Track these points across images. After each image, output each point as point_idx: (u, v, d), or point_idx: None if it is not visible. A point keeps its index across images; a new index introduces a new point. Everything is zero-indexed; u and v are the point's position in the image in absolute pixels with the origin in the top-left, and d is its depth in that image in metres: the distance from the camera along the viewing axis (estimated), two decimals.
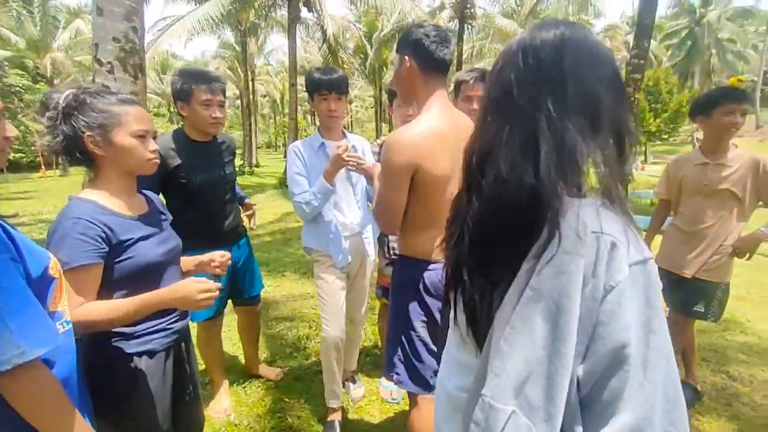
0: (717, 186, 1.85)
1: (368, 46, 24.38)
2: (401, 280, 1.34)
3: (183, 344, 1.23)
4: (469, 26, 17.74)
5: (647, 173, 15.45)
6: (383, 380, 2.25)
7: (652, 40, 7.24)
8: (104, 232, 0.98)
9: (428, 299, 1.28)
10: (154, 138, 1.14)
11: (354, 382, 2.24)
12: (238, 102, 41.84)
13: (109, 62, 2.42)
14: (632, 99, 7.19)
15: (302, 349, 2.70)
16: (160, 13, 15.79)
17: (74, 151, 1.02)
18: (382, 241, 2.07)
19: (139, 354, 1.07)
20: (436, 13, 17.65)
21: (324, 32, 15.22)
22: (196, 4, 14.39)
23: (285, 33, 20.60)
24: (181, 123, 1.88)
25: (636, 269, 0.51)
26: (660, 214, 2.22)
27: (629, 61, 7.60)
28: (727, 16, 30.74)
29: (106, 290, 1.01)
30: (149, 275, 1.07)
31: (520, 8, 20.47)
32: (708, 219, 1.90)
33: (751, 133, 29.18)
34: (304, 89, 1.84)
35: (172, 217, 1.25)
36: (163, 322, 1.12)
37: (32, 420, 0.71)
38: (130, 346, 1.06)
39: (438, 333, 1.28)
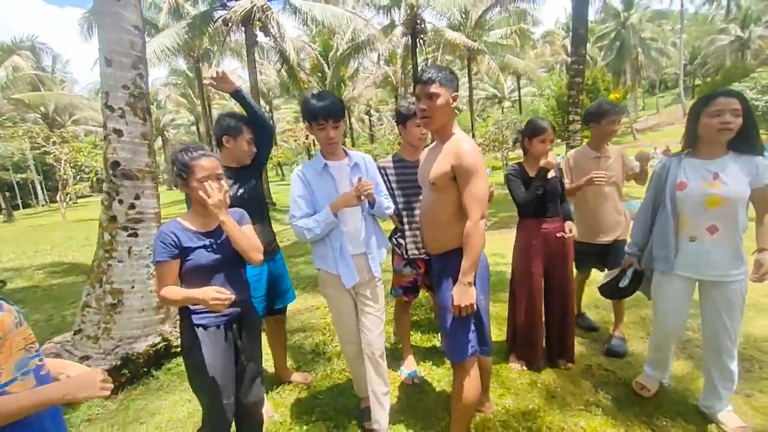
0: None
1: (325, 65, 24.87)
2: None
3: (235, 326, 1.57)
4: (421, 41, 18.68)
5: None
6: (404, 368, 2.53)
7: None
8: (175, 240, 1.44)
9: (486, 274, 1.72)
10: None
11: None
12: (194, 128, 41.09)
13: (120, 108, 2.63)
14: (577, 100, 8.06)
15: (322, 353, 2.94)
16: None
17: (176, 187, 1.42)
18: (398, 243, 2.34)
19: (197, 325, 1.51)
20: (388, 31, 18.36)
21: (282, 55, 15.53)
22: (148, 37, 14.27)
23: (238, 57, 20.66)
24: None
25: None
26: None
27: (570, 66, 8.54)
28: (646, 18, 34.23)
29: (183, 279, 1.48)
30: (202, 273, 1.48)
31: (466, 21, 21.63)
32: (606, 198, 2.56)
33: (681, 121, 32.26)
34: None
35: (247, 222, 1.64)
36: None
37: None
38: (193, 319, 1.51)
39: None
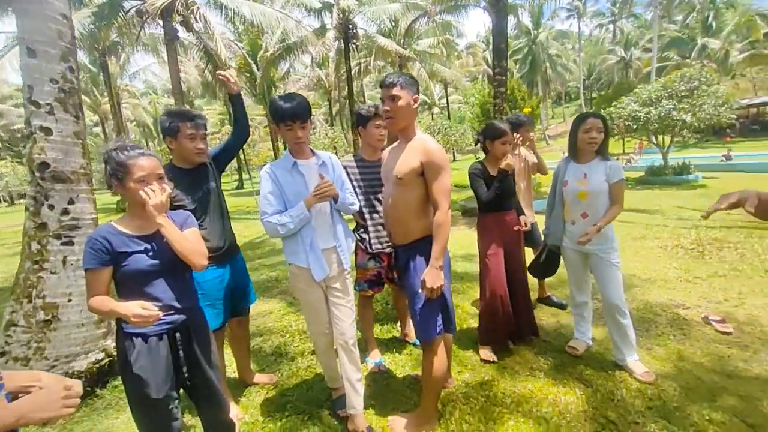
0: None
1: (253, 65, 23.90)
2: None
3: (179, 335, 1.47)
4: (354, 45, 18.92)
5: None
6: (369, 358, 2.65)
7: None
8: (106, 246, 1.36)
9: (447, 261, 1.88)
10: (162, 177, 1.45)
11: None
12: (97, 129, 36.27)
13: (48, 103, 2.41)
14: (501, 108, 8.89)
15: (284, 354, 2.93)
16: None
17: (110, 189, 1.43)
18: (362, 239, 2.45)
19: (134, 335, 1.40)
20: (320, 34, 18.30)
21: (207, 52, 14.62)
22: None
23: (153, 52, 18.93)
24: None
25: None
26: None
27: (494, 78, 9.39)
28: (552, 36, 38.62)
29: (118, 287, 1.42)
30: (141, 279, 1.40)
31: (396, 28, 22.37)
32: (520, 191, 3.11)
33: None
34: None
35: (192, 225, 1.59)
36: None
37: None
38: (128, 328, 1.40)
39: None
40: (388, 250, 2.45)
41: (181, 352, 1.49)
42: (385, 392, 2.34)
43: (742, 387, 2.09)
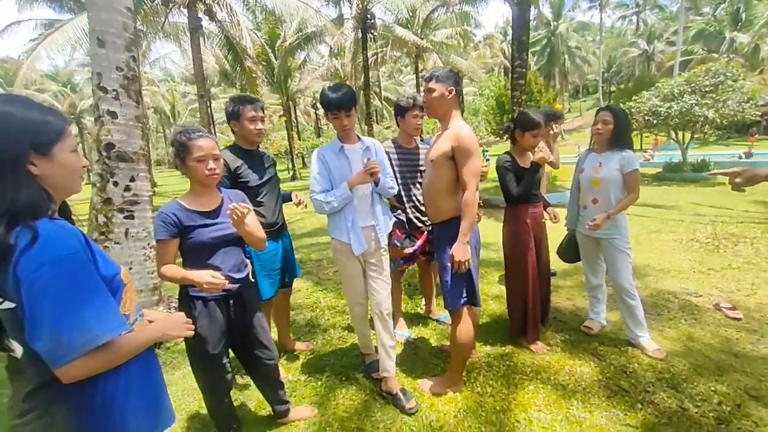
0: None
1: (271, 54, 24.08)
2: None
3: (231, 301, 1.67)
4: (371, 35, 18.92)
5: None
6: (396, 331, 2.87)
7: None
8: (175, 220, 1.54)
9: (474, 240, 2.05)
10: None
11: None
12: None
13: (114, 89, 2.65)
14: (520, 100, 8.93)
15: (317, 326, 3.18)
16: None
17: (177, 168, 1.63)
18: (399, 220, 2.63)
19: (196, 298, 1.60)
20: (337, 24, 18.36)
21: (229, 41, 14.87)
22: (73, 13, 12.85)
23: (175, 40, 19.27)
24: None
25: None
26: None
27: (513, 69, 9.41)
28: (572, 28, 37.77)
29: (184, 256, 1.59)
30: (203, 251, 1.59)
31: (413, 19, 22.22)
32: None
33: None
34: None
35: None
36: None
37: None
38: (192, 291, 1.60)
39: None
40: (425, 227, 2.66)
41: (233, 315, 1.69)
42: (413, 360, 2.56)
43: (747, 365, 2.25)
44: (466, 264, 1.95)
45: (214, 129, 12.74)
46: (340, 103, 2.04)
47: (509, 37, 35.13)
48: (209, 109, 13.64)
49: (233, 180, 2.11)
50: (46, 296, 0.77)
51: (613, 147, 2.47)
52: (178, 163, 1.60)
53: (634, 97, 11.79)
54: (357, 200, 2.14)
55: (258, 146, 2.30)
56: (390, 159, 2.53)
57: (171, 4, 12.24)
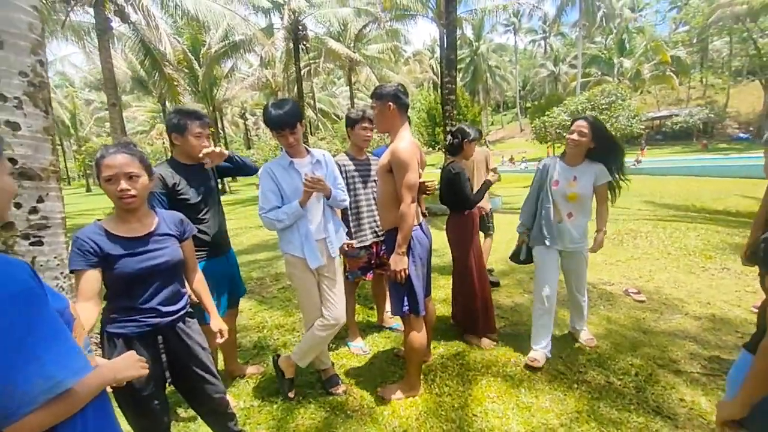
0: None
1: (194, 62, 22.71)
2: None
3: (160, 337, 1.47)
4: (303, 47, 18.81)
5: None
6: (352, 343, 2.86)
7: None
8: (94, 247, 1.33)
9: (419, 250, 2.07)
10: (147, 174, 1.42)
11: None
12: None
13: (16, 97, 2.34)
14: (451, 114, 9.52)
15: (265, 347, 3.02)
16: None
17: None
18: (351, 230, 2.63)
19: (116, 335, 1.40)
20: (269, 34, 17.98)
21: (145, 45, 13.70)
22: None
23: (78, 41, 17.26)
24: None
25: None
26: None
27: (444, 85, 10.02)
28: (492, 49, 41.37)
29: (109, 290, 1.41)
30: (133, 283, 1.39)
31: (345, 32, 22.58)
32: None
33: (519, 135, 39.96)
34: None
35: (191, 232, 1.63)
36: (138, 315, 1.43)
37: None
38: (109, 328, 1.42)
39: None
40: (379, 238, 2.71)
41: (164, 351, 1.50)
42: (370, 370, 2.57)
43: (654, 339, 2.65)
44: (402, 274, 2.00)
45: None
46: (283, 121, 2.01)
47: (437, 55, 37.38)
48: (121, 118, 12.32)
49: (172, 197, 1.96)
50: None
51: (591, 159, 2.41)
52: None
53: (546, 113, 13.28)
54: (309, 214, 2.12)
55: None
56: (344, 171, 2.55)
57: (73, 2, 10.97)
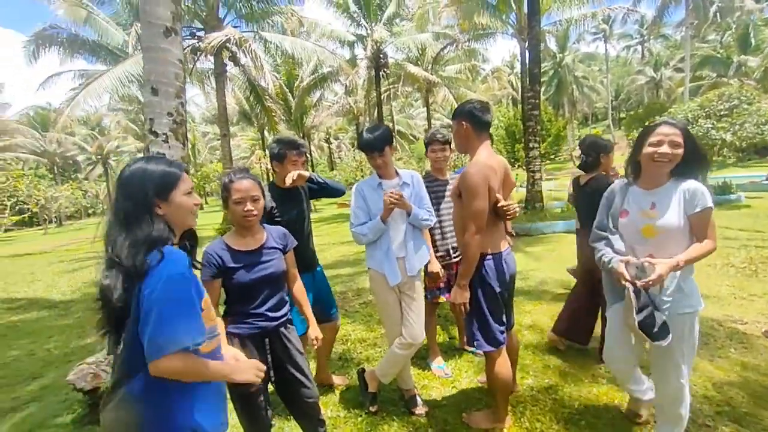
0: None
1: (288, 94, 25.35)
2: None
3: (267, 339, 1.69)
4: (384, 73, 19.78)
5: (546, 188, 14.35)
6: (433, 364, 2.83)
7: None
8: (217, 261, 1.60)
9: (493, 280, 1.91)
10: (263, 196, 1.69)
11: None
12: (140, 155, 39.12)
13: (164, 133, 2.83)
14: (535, 130, 9.08)
15: (349, 359, 3.15)
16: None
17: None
18: (435, 249, 2.68)
19: (234, 335, 1.64)
20: (354, 64, 19.30)
21: (251, 83, 15.78)
22: (109, 64, 13.94)
23: (199, 84, 20.42)
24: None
25: None
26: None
27: (526, 100, 9.68)
28: (578, 59, 38.76)
29: (227, 295, 1.66)
30: (247, 291, 1.64)
31: (422, 56, 23.18)
32: None
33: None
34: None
35: (292, 245, 1.83)
36: (250, 318, 1.66)
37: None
38: (229, 328, 1.64)
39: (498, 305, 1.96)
40: (453, 260, 2.69)
41: (269, 356, 1.70)
42: (453, 394, 2.51)
43: None
44: (461, 308, 1.89)
45: (232, 165, 13.34)
46: (372, 145, 2.17)
47: (516, 70, 36.27)
48: (230, 147, 14.24)
49: (269, 218, 2.16)
50: (156, 305, 0.99)
51: (674, 178, 1.68)
52: (223, 204, 1.69)
53: (646, 123, 11.87)
54: (392, 231, 2.21)
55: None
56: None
57: (199, 53, 13.15)
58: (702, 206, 1.60)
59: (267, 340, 1.70)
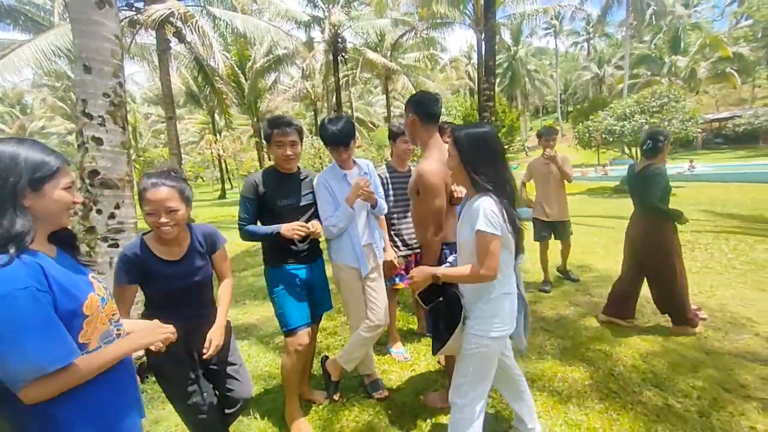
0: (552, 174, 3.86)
1: (241, 75, 24.09)
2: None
3: (191, 337, 1.55)
4: (342, 58, 19.38)
5: None
6: (393, 349, 2.90)
7: None
8: (138, 263, 1.46)
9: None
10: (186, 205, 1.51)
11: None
12: (70, 137, 35.44)
13: (100, 116, 2.60)
14: (489, 121, 9.39)
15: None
16: None
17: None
18: (393, 239, 2.71)
19: None
20: (311, 47, 18.69)
21: (198, 62, 14.78)
22: (30, 34, 12.38)
23: (141, 60, 18.83)
24: None
25: None
26: (523, 190, 4.13)
27: (482, 92, 9.94)
28: (531, 53, 40.37)
29: (148, 302, 1.56)
30: (170, 299, 1.52)
31: (381, 42, 22.97)
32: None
33: (560, 141, 38.28)
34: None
35: (222, 243, 1.70)
36: (171, 319, 1.46)
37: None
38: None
39: None
40: (409, 251, 2.75)
41: (195, 353, 1.59)
42: (412, 377, 2.59)
43: (718, 361, 2.46)
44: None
45: (179, 151, 12.34)
46: (338, 139, 2.14)
47: (473, 61, 37.01)
48: (176, 130, 13.33)
49: (262, 203, 2.05)
50: None
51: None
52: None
53: (590, 117, 12.71)
54: (357, 219, 2.21)
55: (298, 169, 2.18)
56: (385, 182, 2.63)
57: (138, 26, 12.04)
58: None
59: (191, 337, 1.55)
